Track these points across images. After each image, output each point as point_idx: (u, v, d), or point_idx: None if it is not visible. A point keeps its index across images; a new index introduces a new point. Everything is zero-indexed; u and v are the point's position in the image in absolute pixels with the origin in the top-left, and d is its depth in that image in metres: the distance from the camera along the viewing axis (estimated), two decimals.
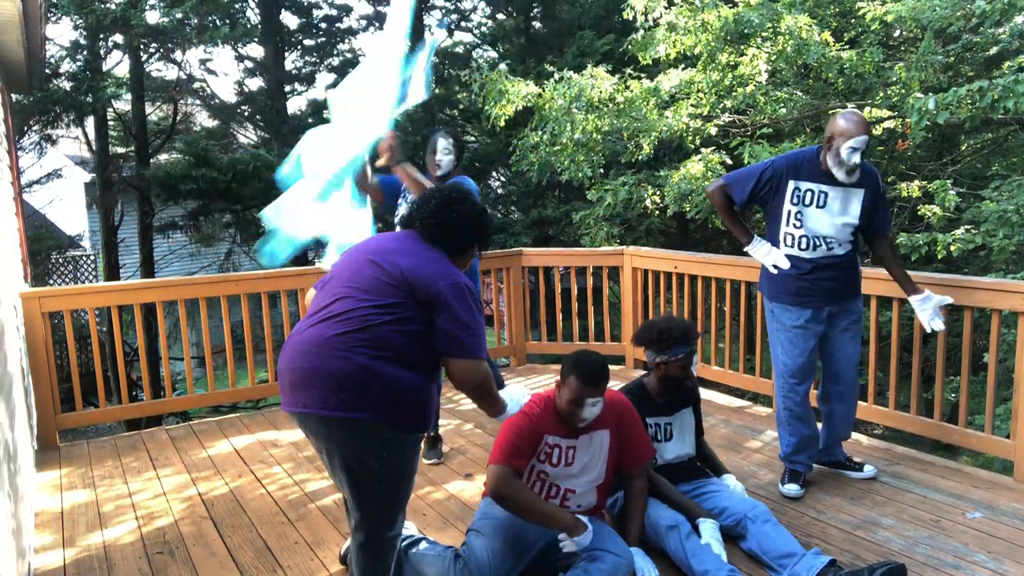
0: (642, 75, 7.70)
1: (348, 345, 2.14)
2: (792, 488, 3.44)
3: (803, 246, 3.32)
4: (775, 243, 3.40)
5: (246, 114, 12.38)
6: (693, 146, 7.42)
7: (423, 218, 2.37)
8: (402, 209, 3.79)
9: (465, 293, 2.23)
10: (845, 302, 3.41)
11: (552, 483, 2.76)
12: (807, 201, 3.30)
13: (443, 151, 3.77)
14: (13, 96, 7.35)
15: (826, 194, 3.28)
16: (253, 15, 11.56)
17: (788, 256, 3.36)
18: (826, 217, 3.29)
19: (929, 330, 3.39)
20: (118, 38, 9.77)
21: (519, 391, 2.53)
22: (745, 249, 3.51)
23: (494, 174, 13.72)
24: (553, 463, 2.74)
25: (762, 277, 3.53)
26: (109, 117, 11.11)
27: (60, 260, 12.83)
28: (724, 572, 2.65)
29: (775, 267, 3.40)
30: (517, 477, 2.65)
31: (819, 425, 3.63)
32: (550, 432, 2.74)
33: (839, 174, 3.24)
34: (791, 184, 3.31)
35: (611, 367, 6.01)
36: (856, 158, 3.17)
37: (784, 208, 3.34)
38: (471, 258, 2.48)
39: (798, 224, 3.32)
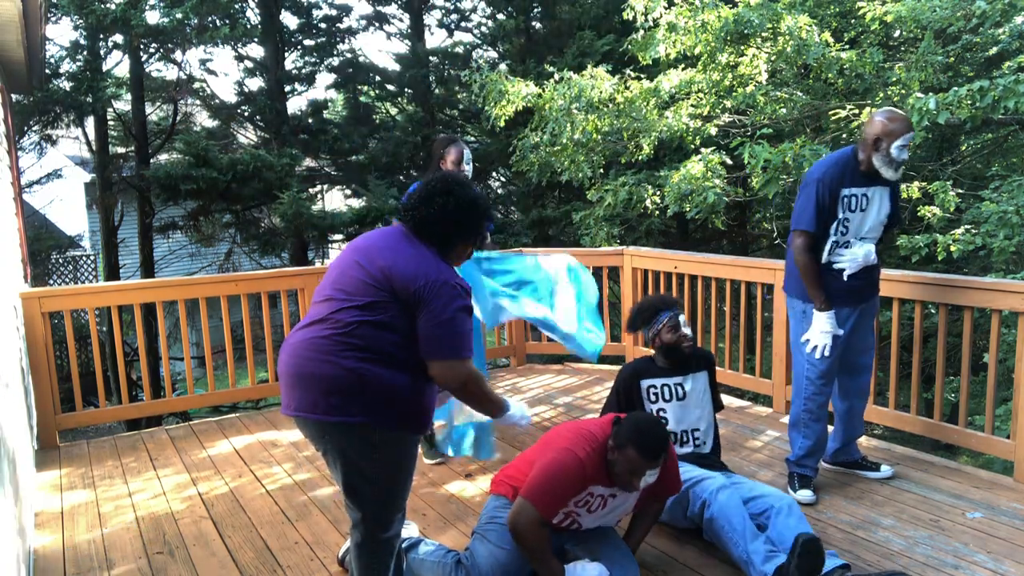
0: (642, 75, 7.72)
1: (336, 348, 2.13)
2: (806, 494, 3.39)
3: (844, 248, 3.33)
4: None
5: (246, 114, 12.37)
6: (693, 146, 7.43)
7: (407, 212, 2.28)
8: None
9: (446, 290, 2.13)
10: (872, 298, 3.46)
11: (576, 519, 2.69)
12: (852, 206, 3.29)
13: (467, 161, 3.93)
14: (13, 96, 7.35)
15: (867, 196, 3.30)
16: (253, 15, 11.54)
17: (828, 265, 3.30)
18: (867, 218, 3.31)
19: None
20: (118, 38, 9.77)
21: (523, 408, 2.45)
22: (817, 312, 3.31)
23: (494, 174, 13.71)
24: (591, 511, 2.67)
25: (790, 277, 3.47)
26: (109, 117, 11.11)
27: (60, 260, 12.82)
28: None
29: (815, 348, 3.32)
30: (545, 526, 2.56)
31: (829, 427, 3.60)
32: (597, 484, 2.62)
33: (888, 173, 3.23)
34: (842, 193, 3.27)
35: (611, 367, 5.99)
36: (906, 154, 3.22)
37: (836, 217, 3.28)
38: (464, 254, 2.36)
39: (844, 231, 3.30)
